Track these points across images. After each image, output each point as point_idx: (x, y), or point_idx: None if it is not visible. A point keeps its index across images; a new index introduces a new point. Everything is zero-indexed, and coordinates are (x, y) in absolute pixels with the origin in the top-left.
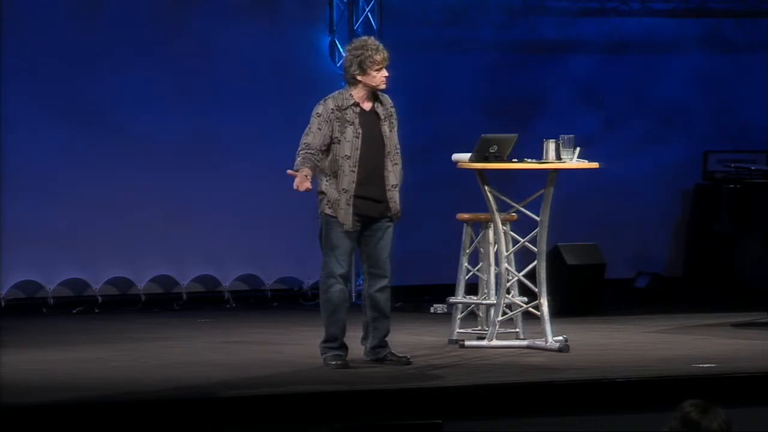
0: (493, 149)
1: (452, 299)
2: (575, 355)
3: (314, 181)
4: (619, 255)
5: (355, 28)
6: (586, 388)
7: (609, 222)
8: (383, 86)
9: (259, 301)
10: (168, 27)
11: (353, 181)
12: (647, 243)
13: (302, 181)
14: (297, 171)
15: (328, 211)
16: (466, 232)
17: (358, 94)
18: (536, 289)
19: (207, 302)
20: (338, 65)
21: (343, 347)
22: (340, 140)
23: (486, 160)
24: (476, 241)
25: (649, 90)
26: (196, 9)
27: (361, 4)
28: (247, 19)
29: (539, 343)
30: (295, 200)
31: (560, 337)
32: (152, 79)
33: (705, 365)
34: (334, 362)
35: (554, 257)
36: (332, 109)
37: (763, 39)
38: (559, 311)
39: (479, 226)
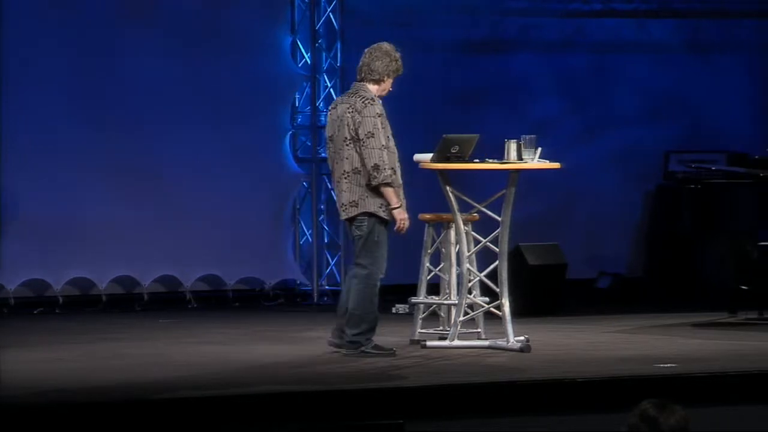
0: (455, 149)
1: (414, 299)
2: (537, 355)
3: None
4: (580, 255)
5: (316, 28)
6: (547, 388)
7: (570, 222)
8: (386, 95)
9: (221, 301)
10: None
11: (401, 176)
12: (609, 243)
13: (407, 219)
14: (396, 201)
15: (382, 214)
16: (428, 232)
17: (377, 94)
18: (498, 290)
19: (168, 303)
20: (300, 65)
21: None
22: (389, 138)
23: (447, 160)
24: (438, 241)
25: (610, 91)
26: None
27: (322, 4)
28: (207, 18)
29: (501, 343)
30: (257, 200)
31: (522, 338)
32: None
33: (665, 365)
34: (377, 351)
35: (516, 257)
36: (382, 107)
37: (725, 39)
38: (520, 311)
39: (441, 227)
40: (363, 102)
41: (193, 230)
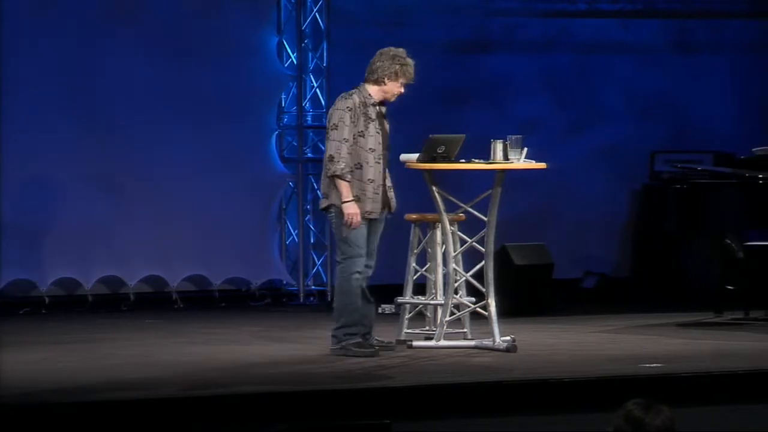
0: (441, 149)
1: (400, 299)
2: (523, 355)
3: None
4: (566, 255)
5: (303, 28)
6: (533, 388)
7: (557, 222)
8: (392, 99)
9: (207, 301)
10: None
11: (380, 172)
12: (595, 243)
13: (357, 214)
14: (346, 194)
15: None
16: (414, 232)
17: (376, 95)
18: (484, 290)
19: (155, 303)
20: (286, 65)
21: (360, 334)
22: (364, 134)
23: (434, 160)
24: (424, 241)
25: (596, 91)
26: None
27: (308, 4)
28: (194, 19)
29: (487, 343)
30: (243, 201)
31: (508, 338)
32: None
33: (651, 365)
34: (358, 349)
35: (502, 257)
36: (358, 104)
37: (711, 39)
38: (506, 311)
39: (427, 227)
40: (340, 97)
41: (179, 230)
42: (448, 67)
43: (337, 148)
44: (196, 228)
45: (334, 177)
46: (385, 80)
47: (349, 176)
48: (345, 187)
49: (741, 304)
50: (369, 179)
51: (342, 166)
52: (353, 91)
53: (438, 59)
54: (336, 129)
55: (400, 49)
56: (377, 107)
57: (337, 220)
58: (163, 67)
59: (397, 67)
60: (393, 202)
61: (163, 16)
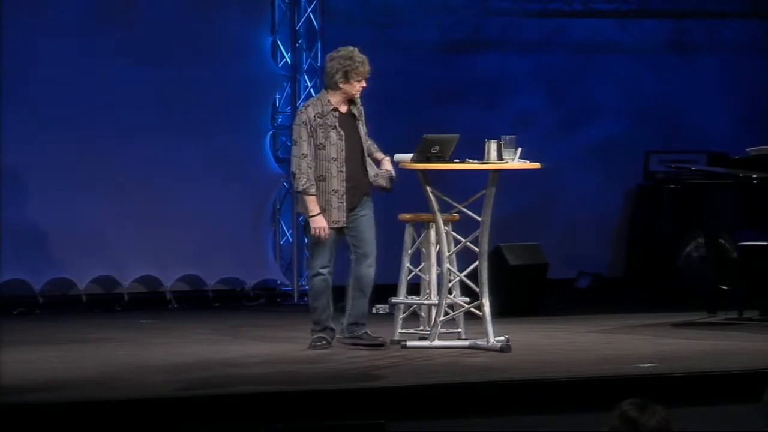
0: (435, 149)
1: (394, 299)
2: (517, 355)
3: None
4: (560, 255)
5: (297, 28)
6: (527, 388)
7: (551, 222)
8: (357, 95)
9: (201, 301)
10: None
11: (343, 180)
12: (589, 243)
13: (324, 228)
14: (312, 209)
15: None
16: (408, 232)
17: (335, 99)
18: (478, 290)
19: (149, 303)
20: (280, 65)
21: (326, 330)
22: (324, 145)
23: (428, 160)
24: (418, 241)
25: (591, 91)
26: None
27: (303, 4)
28: (189, 19)
29: (481, 343)
30: (237, 201)
31: (502, 338)
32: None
33: (645, 365)
34: (316, 343)
35: (496, 257)
36: (314, 116)
37: (706, 39)
38: (500, 311)
39: (421, 227)
40: (299, 110)
41: (173, 230)
42: (442, 66)
43: (297, 164)
44: (190, 228)
45: (299, 192)
46: (339, 84)
47: (313, 189)
48: (311, 202)
49: (735, 304)
50: (333, 189)
51: (303, 182)
52: (311, 100)
53: (432, 59)
54: (295, 145)
55: (348, 48)
56: (341, 111)
57: (307, 227)
58: (159, 67)
59: (345, 69)
60: (383, 180)
61: (158, 17)
